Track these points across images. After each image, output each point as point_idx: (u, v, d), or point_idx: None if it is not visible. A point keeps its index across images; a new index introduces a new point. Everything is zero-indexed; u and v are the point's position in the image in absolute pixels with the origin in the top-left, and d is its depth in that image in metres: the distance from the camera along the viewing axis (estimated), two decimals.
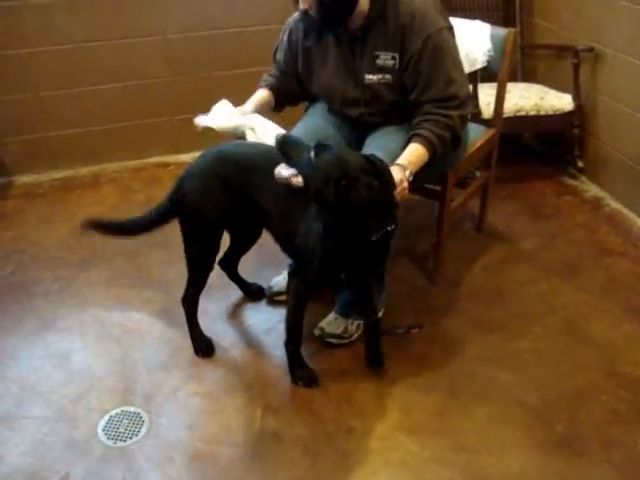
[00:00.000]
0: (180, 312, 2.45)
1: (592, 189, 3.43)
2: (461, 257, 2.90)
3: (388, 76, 2.20)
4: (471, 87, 3.07)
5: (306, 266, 2.08)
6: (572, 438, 2.04)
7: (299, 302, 2.18)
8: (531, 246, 2.98)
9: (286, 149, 1.95)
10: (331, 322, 2.41)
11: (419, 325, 2.46)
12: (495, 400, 2.18)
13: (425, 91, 2.16)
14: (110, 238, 3.03)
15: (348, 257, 2.03)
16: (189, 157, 3.79)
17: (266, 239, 2.43)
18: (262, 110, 2.39)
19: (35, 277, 2.82)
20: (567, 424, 2.09)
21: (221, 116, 2.32)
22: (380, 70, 2.20)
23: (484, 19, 2.88)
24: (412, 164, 2.10)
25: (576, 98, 3.36)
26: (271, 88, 2.45)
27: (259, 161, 2.14)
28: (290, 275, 2.50)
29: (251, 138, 2.27)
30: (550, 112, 3.33)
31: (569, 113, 3.36)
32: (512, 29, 2.70)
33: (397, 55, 2.17)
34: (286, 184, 1.94)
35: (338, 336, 2.39)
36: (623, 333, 2.46)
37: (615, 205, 3.28)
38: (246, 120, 2.28)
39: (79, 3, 3.39)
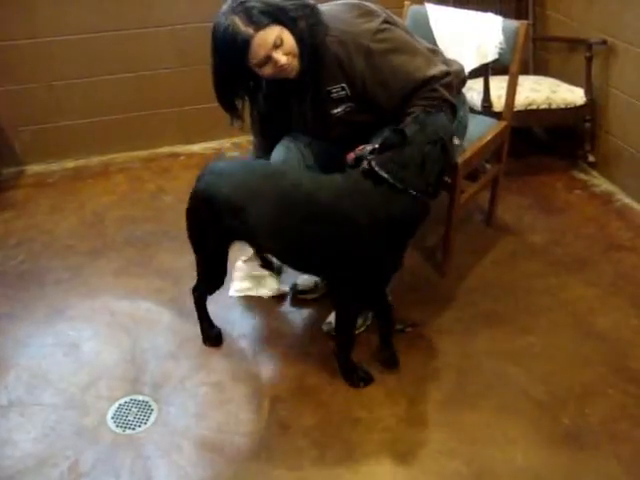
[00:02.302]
0: (189, 302, 2.46)
1: (603, 184, 3.42)
2: (470, 250, 2.90)
3: (350, 104, 2.17)
4: (482, 80, 3.08)
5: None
6: (579, 432, 2.04)
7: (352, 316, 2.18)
8: (541, 240, 2.97)
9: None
10: None
11: (413, 324, 2.45)
12: (502, 393, 2.18)
13: (398, 93, 2.10)
14: (120, 227, 3.07)
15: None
16: (199, 147, 3.81)
17: None
18: None
19: (46, 266, 2.84)
20: (574, 418, 2.09)
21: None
22: (340, 102, 2.17)
23: (496, 11, 2.88)
24: None
25: (588, 92, 3.34)
26: None
27: (262, 184, 2.06)
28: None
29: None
30: (562, 106, 3.31)
31: (581, 107, 3.34)
32: (524, 22, 2.69)
33: (345, 85, 2.13)
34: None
35: None
36: (631, 328, 2.45)
37: (626, 200, 3.27)
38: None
39: None
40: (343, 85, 2.13)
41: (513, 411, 2.12)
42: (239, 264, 2.64)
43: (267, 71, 2.04)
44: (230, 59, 2.02)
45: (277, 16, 1.97)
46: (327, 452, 1.98)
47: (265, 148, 2.42)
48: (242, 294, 2.62)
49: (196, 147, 3.83)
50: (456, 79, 2.20)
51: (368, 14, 2.11)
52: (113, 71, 3.59)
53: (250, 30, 1.94)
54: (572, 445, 2.00)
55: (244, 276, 2.63)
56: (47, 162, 3.66)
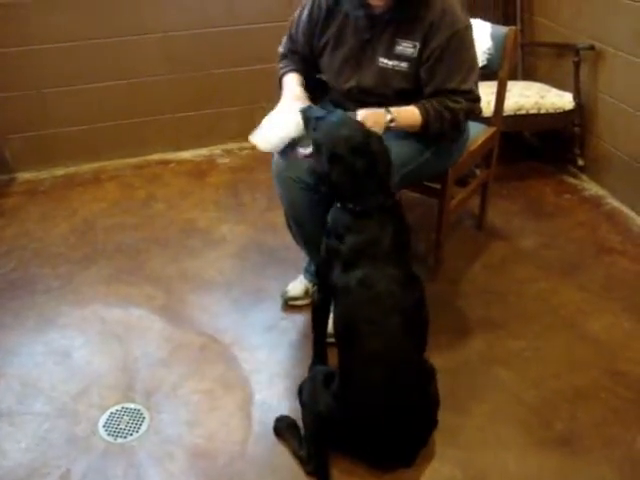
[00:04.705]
0: (180, 308, 2.46)
1: (592, 187, 3.43)
2: (461, 255, 2.90)
3: (404, 64, 2.20)
4: None
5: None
6: (571, 436, 2.05)
7: (313, 311, 2.16)
8: (531, 244, 2.98)
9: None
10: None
11: None
12: (494, 398, 2.19)
13: (442, 84, 2.18)
14: (111, 235, 3.06)
15: None
16: (190, 154, 3.81)
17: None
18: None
19: (36, 273, 2.82)
20: (566, 422, 2.09)
21: (267, 134, 2.25)
22: (397, 57, 2.21)
23: (484, 17, 2.88)
24: (399, 116, 2.14)
25: (577, 97, 3.36)
26: (297, 71, 2.40)
27: None
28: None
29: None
30: (551, 110, 3.33)
31: (570, 112, 3.36)
32: (512, 27, 2.70)
33: (418, 44, 2.17)
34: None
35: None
36: (622, 331, 2.46)
37: (615, 204, 3.28)
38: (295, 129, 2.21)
39: (81, 1, 3.39)
40: (416, 44, 2.18)
41: (506, 415, 2.12)
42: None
43: None
44: None
45: None
46: None
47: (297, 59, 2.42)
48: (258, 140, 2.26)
49: (187, 154, 3.82)
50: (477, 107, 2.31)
51: (465, 10, 2.25)
52: (103, 78, 3.58)
53: None
54: (565, 449, 2.00)
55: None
56: (38, 170, 3.64)
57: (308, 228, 2.36)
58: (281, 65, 2.45)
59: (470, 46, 2.24)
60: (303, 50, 2.39)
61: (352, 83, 2.29)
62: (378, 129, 2.07)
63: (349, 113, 2.10)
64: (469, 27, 2.22)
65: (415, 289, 1.95)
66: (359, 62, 2.27)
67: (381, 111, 2.13)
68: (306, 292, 2.58)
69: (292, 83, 2.35)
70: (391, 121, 2.12)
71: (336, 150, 1.90)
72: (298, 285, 2.59)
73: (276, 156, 2.34)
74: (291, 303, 2.58)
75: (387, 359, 1.85)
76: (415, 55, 2.19)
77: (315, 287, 2.50)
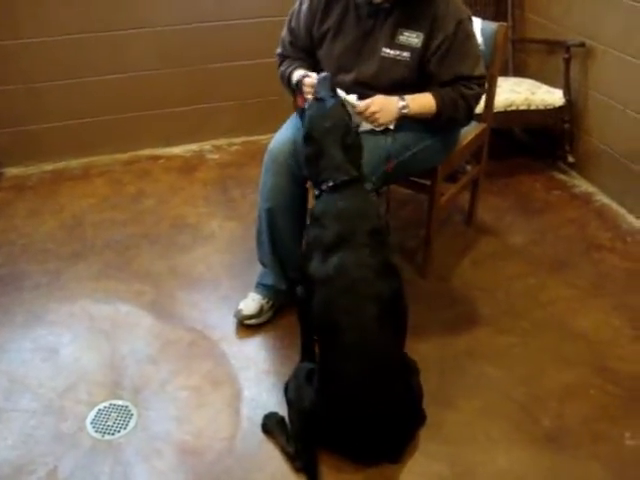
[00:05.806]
0: (169, 305, 2.43)
1: (582, 184, 3.44)
2: (450, 251, 2.90)
3: (406, 54, 2.22)
4: None
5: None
6: (559, 433, 2.05)
7: (298, 305, 2.13)
8: (520, 241, 2.98)
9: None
10: None
11: None
12: (483, 395, 2.19)
13: (456, 72, 2.22)
14: (99, 231, 3.04)
15: None
16: (180, 150, 3.79)
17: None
18: None
19: (24, 270, 2.80)
20: (555, 419, 2.10)
21: None
22: (400, 47, 2.22)
23: (475, 13, 2.87)
24: (414, 102, 2.19)
25: (567, 93, 3.36)
26: (301, 66, 2.38)
27: None
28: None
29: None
30: (541, 107, 3.34)
31: (560, 108, 3.36)
32: (503, 23, 2.70)
33: (423, 35, 2.19)
34: None
35: None
36: (612, 328, 2.47)
37: (605, 200, 3.29)
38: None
39: None
40: (420, 34, 2.20)
41: (494, 412, 2.12)
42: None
43: None
44: None
45: None
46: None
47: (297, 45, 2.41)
48: None
49: (177, 149, 3.80)
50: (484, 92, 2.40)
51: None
52: (94, 73, 3.55)
53: None
54: (553, 446, 2.01)
55: None
56: (25, 165, 3.61)
57: (282, 228, 2.34)
58: (282, 68, 2.43)
59: (474, 35, 2.29)
60: (304, 43, 2.38)
61: (352, 76, 2.28)
62: (387, 115, 2.15)
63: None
64: (470, 17, 2.26)
65: (392, 279, 1.93)
66: (360, 52, 2.27)
67: (394, 98, 2.18)
68: (261, 310, 2.45)
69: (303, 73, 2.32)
70: (404, 108, 2.18)
71: (312, 133, 1.97)
72: (251, 303, 2.46)
73: (276, 139, 2.33)
74: (247, 322, 2.45)
75: (364, 351, 1.84)
76: (419, 45, 2.20)
77: (268, 302, 2.47)
